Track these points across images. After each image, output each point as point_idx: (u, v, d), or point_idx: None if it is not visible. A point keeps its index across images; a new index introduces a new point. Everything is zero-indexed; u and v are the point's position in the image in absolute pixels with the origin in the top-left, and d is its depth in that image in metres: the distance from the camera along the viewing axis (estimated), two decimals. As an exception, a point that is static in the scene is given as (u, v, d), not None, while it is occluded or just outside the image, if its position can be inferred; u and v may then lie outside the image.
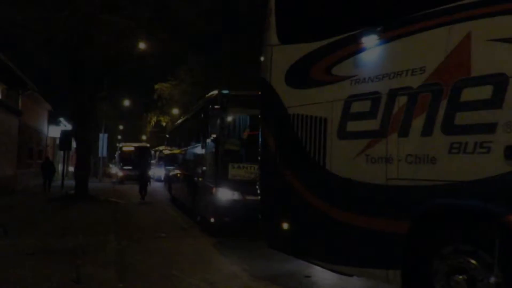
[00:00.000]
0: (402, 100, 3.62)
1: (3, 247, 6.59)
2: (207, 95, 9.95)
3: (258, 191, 7.24)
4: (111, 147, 43.82)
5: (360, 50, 4.13)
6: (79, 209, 12.31)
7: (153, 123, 43.59)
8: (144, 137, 52.92)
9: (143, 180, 16.90)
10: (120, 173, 30.09)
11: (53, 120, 27.27)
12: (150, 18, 14.12)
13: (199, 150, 9.97)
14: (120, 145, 34.25)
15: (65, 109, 22.96)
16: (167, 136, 21.29)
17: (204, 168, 9.37)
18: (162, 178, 29.05)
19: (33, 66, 15.50)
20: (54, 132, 26.35)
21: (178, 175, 14.05)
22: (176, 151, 15.11)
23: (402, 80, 3.64)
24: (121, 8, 13.40)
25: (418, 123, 3.46)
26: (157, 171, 34.41)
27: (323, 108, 4.44)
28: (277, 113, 5.12)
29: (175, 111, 38.22)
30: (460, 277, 3.20)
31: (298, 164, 4.85)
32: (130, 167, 26.79)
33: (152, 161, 35.31)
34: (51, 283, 5.00)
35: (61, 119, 27.74)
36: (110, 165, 45.12)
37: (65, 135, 17.68)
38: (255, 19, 24.53)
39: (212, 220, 8.52)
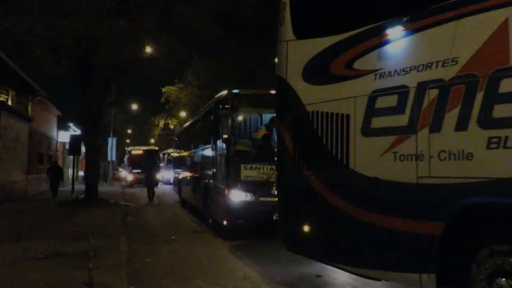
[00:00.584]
0: (432, 93, 3.45)
1: (15, 251, 6.63)
2: (217, 95, 9.79)
3: (274, 192, 7.16)
4: (120, 151, 44.08)
5: (384, 42, 3.95)
6: (90, 213, 12.39)
7: (161, 126, 43.81)
8: (152, 141, 53.17)
9: (150, 183, 17.39)
10: (130, 177, 30.25)
11: (62, 125, 27.49)
12: (156, 21, 14.18)
13: (209, 151, 9.83)
14: (129, 148, 34.45)
15: (74, 114, 23.14)
16: (176, 138, 21.06)
17: (215, 169, 9.21)
18: (171, 181, 29.21)
19: (42, 72, 15.61)
20: (63, 137, 26.57)
21: (188, 177, 13.82)
22: (186, 153, 14.98)
23: (432, 72, 3.47)
24: (127, 12, 13.47)
25: (451, 117, 3.28)
26: (166, 174, 34.58)
27: (345, 104, 4.27)
28: (295, 111, 4.94)
29: (183, 114, 38.38)
30: (504, 280, 3.04)
31: (319, 164, 4.66)
32: (139, 171, 26.91)
33: (161, 164, 35.49)
34: (63, 286, 5.03)
35: (70, 124, 27.95)
36: (120, 169, 45.36)
37: (75, 140, 17.80)
38: (261, 21, 24.58)
39: (225, 222, 8.40)
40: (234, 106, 8.19)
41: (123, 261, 6.44)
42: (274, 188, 7.19)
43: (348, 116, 4.24)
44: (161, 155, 37.27)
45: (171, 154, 33.75)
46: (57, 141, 26.87)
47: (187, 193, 14.15)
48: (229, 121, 8.12)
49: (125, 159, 34.92)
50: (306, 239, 4.89)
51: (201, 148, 11.27)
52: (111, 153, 31.49)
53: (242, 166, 8.07)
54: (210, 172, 9.69)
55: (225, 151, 8.31)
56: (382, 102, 3.91)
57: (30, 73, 16.99)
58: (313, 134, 4.67)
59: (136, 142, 51.04)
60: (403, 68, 3.72)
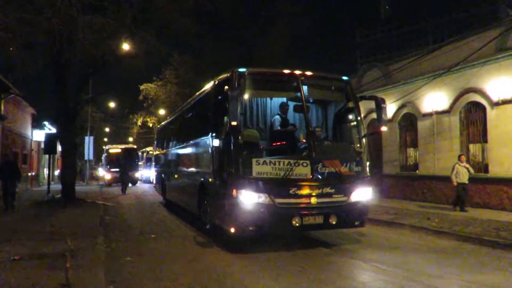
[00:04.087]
0: None
1: (-11, 253, 6.46)
2: (218, 77, 8.25)
3: (294, 192, 6.70)
4: (98, 150, 43.36)
5: None
6: (66, 213, 12.14)
7: (139, 124, 43.29)
8: (130, 139, 52.51)
9: (126, 180, 21.47)
10: (108, 176, 29.88)
11: (37, 124, 26.89)
12: (134, 17, 13.96)
13: (207, 144, 8.33)
14: (107, 147, 33.93)
15: (50, 112, 22.69)
16: (157, 134, 19.38)
17: (217, 165, 7.61)
18: (151, 179, 28.99)
19: (16, 69, 15.18)
20: (38, 136, 25.99)
21: (176, 175, 12.37)
22: (172, 149, 13.50)
23: None
24: (103, 8, 13.22)
25: None
26: (145, 172, 34.25)
27: None
28: None
29: (162, 111, 38.01)
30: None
31: None
32: (117, 169, 26.55)
33: (140, 163, 35.13)
34: (40, 287, 4.93)
35: (46, 122, 27.37)
36: (97, 168, 44.67)
37: (50, 139, 17.36)
38: (240, 18, 24.51)
39: (232, 230, 6.84)
40: (242, 87, 6.83)
41: (101, 261, 6.34)
42: (293, 187, 6.75)
43: None
44: (139, 153, 36.87)
45: (150, 152, 33.51)
46: (31, 140, 26.24)
47: (175, 193, 12.76)
48: (236, 106, 6.50)
49: (103, 158, 34.37)
50: None
51: (195, 141, 9.78)
52: (89, 152, 30.99)
53: (254, 160, 6.70)
54: (208, 169, 8.19)
55: (231, 143, 6.83)
56: None
57: (2, 71, 16.54)
58: None
59: (114, 141, 50.34)
60: None
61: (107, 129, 52.75)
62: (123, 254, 7.02)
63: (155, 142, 19.59)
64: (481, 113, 12.90)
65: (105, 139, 54.16)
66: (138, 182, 32.97)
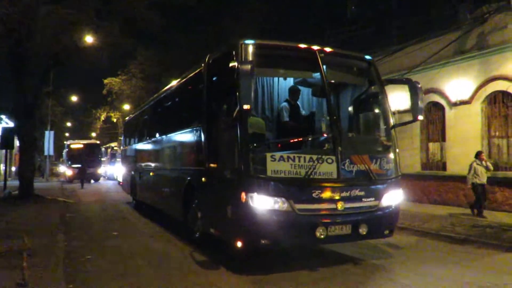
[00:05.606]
0: None
1: None
2: (212, 54, 6.79)
3: (317, 196, 5.39)
4: (59, 145, 41.98)
5: None
6: (24, 210, 11.68)
7: (103, 119, 42.24)
8: (93, 134, 51.15)
9: (83, 175, 23.91)
10: (69, 172, 29.03)
11: (-7, 117, 25.75)
12: (97, 9, 13.58)
13: (197, 135, 6.94)
14: (68, 142, 32.91)
15: (7, 105, 21.73)
16: (125, 126, 17.21)
17: (215, 161, 6.20)
18: (115, 176, 28.35)
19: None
20: (-6, 130, 24.85)
21: (151, 173, 10.77)
22: (145, 142, 11.81)
23: None
24: (66, -2, 12.80)
25: None
26: (109, 169, 33.46)
27: None
28: None
29: (126, 106, 37.24)
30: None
31: None
32: (79, 165, 25.83)
33: (104, 159, 34.30)
34: (-6, 288, 4.73)
35: (2, 116, 26.26)
36: (58, 164, 43.28)
37: (7, 133, 16.59)
38: (207, 12, 24.31)
39: (239, 244, 5.41)
40: (251, 62, 5.22)
41: (61, 260, 6.15)
42: (317, 190, 5.45)
43: None
44: (103, 149, 36.00)
45: (115, 148, 32.77)
46: (-13, 134, 25.05)
47: (149, 194, 11.11)
48: (250, 84, 5.04)
49: (64, 153, 33.32)
50: None
51: (179, 132, 8.21)
52: (49, 147, 29.92)
53: (269, 156, 5.34)
54: (199, 166, 6.76)
55: (240, 133, 5.37)
56: None
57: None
58: None
59: (76, 136, 48.88)
60: None
61: (68, 124, 51.14)
62: (84, 253, 6.83)
63: (123, 136, 17.70)
64: (440, 113, 13.38)
65: (67, 134, 52.51)
66: (102, 178, 32.21)
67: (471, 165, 10.50)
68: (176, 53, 27.99)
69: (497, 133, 11.96)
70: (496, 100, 11.84)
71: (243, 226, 5.38)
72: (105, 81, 36.20)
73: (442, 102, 13.12)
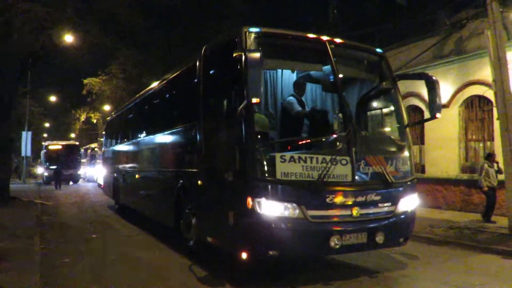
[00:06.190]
0: None
1: None
2: (217, 40, 6.35)
3: (331, 201, 4.90)
4: (36, 146, 41.09)
5: None
6: None
7: (82, 120, 41.57)
8: (73, 135, 50.28)
9: (59, 176, 23.63)
10: (46, 173, 28.39)
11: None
12: (77, 8, 13.36)
13: (192, 134, 6.38)
14: (46, 143, 32.23)
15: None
16: (106, 126, 16.12)
17: (215, 162, 5.68)
18: (95, 178, 27.87)
19: None
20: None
21: (137, 176, 10.09)
22: (130, 142, 11.03)
23: None
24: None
25: None
26: (88, 170, 32.89)
27: None
28: None
29: (107, 107, 36.73)
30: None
31: None
32: (59, 167, 25.33)
33: (84, 160, 33.73)
34: (-35, 293, 4.58)
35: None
36: (36, 165, 42.38)
37: (-18, 133, 16.14)
38: (189, 13, 24.19)
39: (243, 255, 4.86)
40: (258, 51, 4.57)
41: (37, 263, 6.00)
42: (330, 194, 4.95)
43: None
44: (82, 150, 35.41)
45: (96, 149, 32.22)
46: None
47: (134, 198, 10.30)
48: (259, 74, 4.51)
49: (41, 154, 32.62)
50: None
51: (170, 131, 7.63)
52: (26, 148, 29.21)
53: (279, 156, 4.80)
54: (194, 167, 6.26)
55: (246, 130, 4.84)
56: None
57: None
58: None
59: (54, 137, 47.95)
60: None
61: (47, 125, 50.15)
62: (61, 256, 6.67)
63: (104, 136, 16.77)
64: (419, 116, 13.61)
65: (45, 135, 51.48)
66: (81, 180, 31.66)
67: (482, 167, 9.96)
68: (157, 54, 27.74)
69: (473, 137, 12.25)
70: (473, 104, 12.13)
71: (248, 235, 4.82)
72: (85, 81, 35.60)
73: (422, 106, 13.34)
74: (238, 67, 4.84)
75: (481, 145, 12.06)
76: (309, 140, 5.59)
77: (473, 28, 11.76)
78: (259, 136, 4.98)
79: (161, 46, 27.05)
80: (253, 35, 5.01)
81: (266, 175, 4.75)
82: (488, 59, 8.93)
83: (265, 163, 4.79)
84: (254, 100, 4.43)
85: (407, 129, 6.00)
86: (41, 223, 10.10)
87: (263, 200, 4.66)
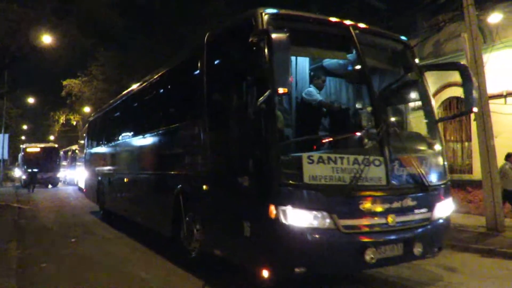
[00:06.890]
0: None
1: None
2: (222, 27, 5.58)
3: (366, 208, 4.25)
4: (14, 149, 40.18)
5: None
6: (-25, 217, 11.08)
7: (61, 122, 40.83)
8: (52, 138, 49.32)
9: (34, 179, 23.75)
10: (24, 177, 27.79)
11: None
12: (54, 8, 13.14)
13: (195, 132, 5.59)
14: (24, 146, 31.55)
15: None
16: (89, 126, 14.72)
17: (223, 165, 5.00)
18: (75, 181, 27.33)
19: None
20: None
21: (126, 179, 9.20)
22: (118, 143, 10.08)
23: None
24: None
25: None
26: (69, 173, 32.27)
27: None
28: None
29: (87, 109, 36.17)
30: None
31: None
32: (35, 170, 24.81)
33: (64, 163, 33.12)
34: None
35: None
36: (13, 168, 41.46)
37: (-43, 136, 15.77)
38: (170, 13, 24.05)
39: (265, 274, 4.21)
40: (286, 32, 3.87)
41: (13, 268, 5.85)
42: (363, 200, 4.30)
43: None
44: (61, 152, 34.75)
45: (77, 151, 31.62)
46: None
47: (123, 203, 9.41)
48: (287, 60, 3.84)
49: (19, 157, 31.92)
50: None
51: (168, 129, 6.83)
52: (3, 151, 28.55)
53: (306, 157, 4.10)
54: (198, 169, 5.58)
55: (262, 128, 4.16)
56: None
57: None
58: None
59: (33, 139, 46.97)
60: None
61: (25, 127, 49.11)
62: (39, 260, 6.52)
63: (86, 137, 15.56)
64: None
65: (23, 138, 50.39)
66: (60, 183, 31.08)
67: (502, 168, 9.05)
68: (137, 55, 27.46)
69: (452, 137, 12.48)
70: (451, 105, 12.35)
71: (271, 250, 4.12)
72: (64, 82, 34.97)
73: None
74: (257, 52, 4.09)
75: (459, 145, 12.30)
76: (338, 137, 4.80)
77: (450, 31, 11.99)
78: (282, 133, 4.43)
79: (141, 47, 26.79)
80: (269, 17, 4.30)
81: (292, 179, 4.06)
82: (465, 61, 9.13)
83: (290, 165, 4.08)
84: (281, 90, 3.71)
85: (438, 125, 5.52)
86: (18, 227, 9.87)
87: (289, 209, 3.96)
